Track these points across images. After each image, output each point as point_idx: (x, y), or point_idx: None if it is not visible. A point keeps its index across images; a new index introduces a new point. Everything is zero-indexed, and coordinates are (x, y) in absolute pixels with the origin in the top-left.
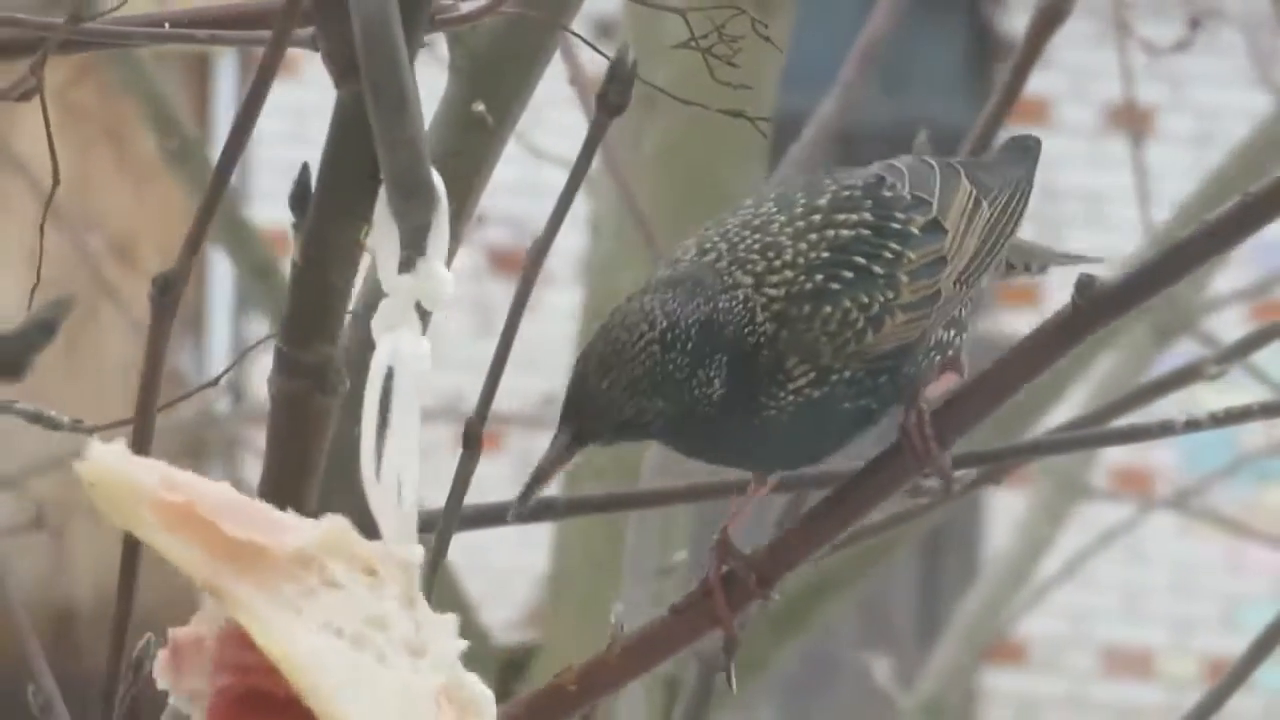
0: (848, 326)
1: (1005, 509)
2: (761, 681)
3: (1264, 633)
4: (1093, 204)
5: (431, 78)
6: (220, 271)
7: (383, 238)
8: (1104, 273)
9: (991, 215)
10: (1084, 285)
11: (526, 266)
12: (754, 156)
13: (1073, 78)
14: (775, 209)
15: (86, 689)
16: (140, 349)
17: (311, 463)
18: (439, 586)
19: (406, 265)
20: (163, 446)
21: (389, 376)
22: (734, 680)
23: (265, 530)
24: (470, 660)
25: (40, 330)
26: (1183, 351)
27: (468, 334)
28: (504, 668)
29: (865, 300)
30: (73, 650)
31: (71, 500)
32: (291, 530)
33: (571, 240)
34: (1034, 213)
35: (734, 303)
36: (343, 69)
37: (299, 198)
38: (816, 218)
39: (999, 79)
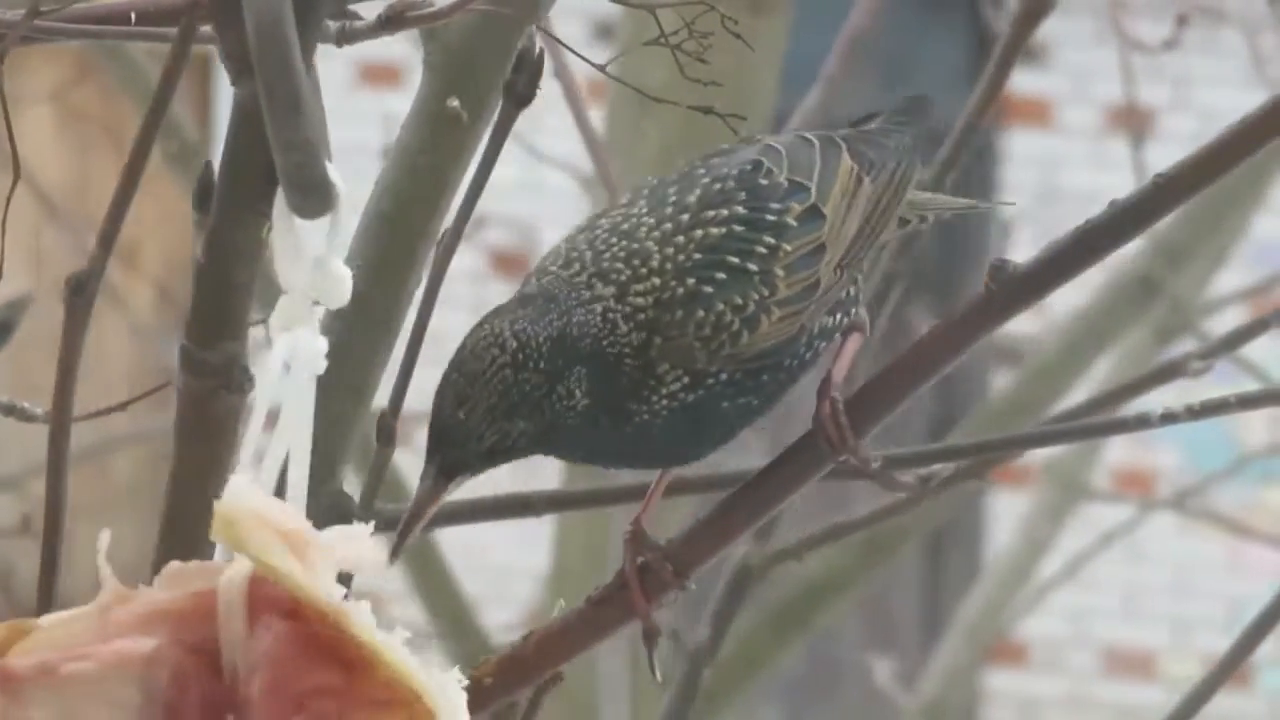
0: (722, 330)
1: (1008, 509)
2: (764, 682)
3: (1255, 621)
4: (1094, 204)
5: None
6: None
7: (281, 236)
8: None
9: (875, 191)
10: (997, 269)
11: (437, 257)
12: None
13: (1074, 79)
14: (645, 209)
15: None
16: (140, 350)
17: (219, 461)
18: (435, 586)
19: (304, 263)
20: (152, 447)
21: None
22: (657, 670)
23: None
24: (470, 661)
25: None
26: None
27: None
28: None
29: (739, 301)
30: None
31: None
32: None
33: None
34: (1033, 214)
35: (591, 315)
36: (239, 69)
37: (202, 195)
38: (685, 217)
39: (983, 73)
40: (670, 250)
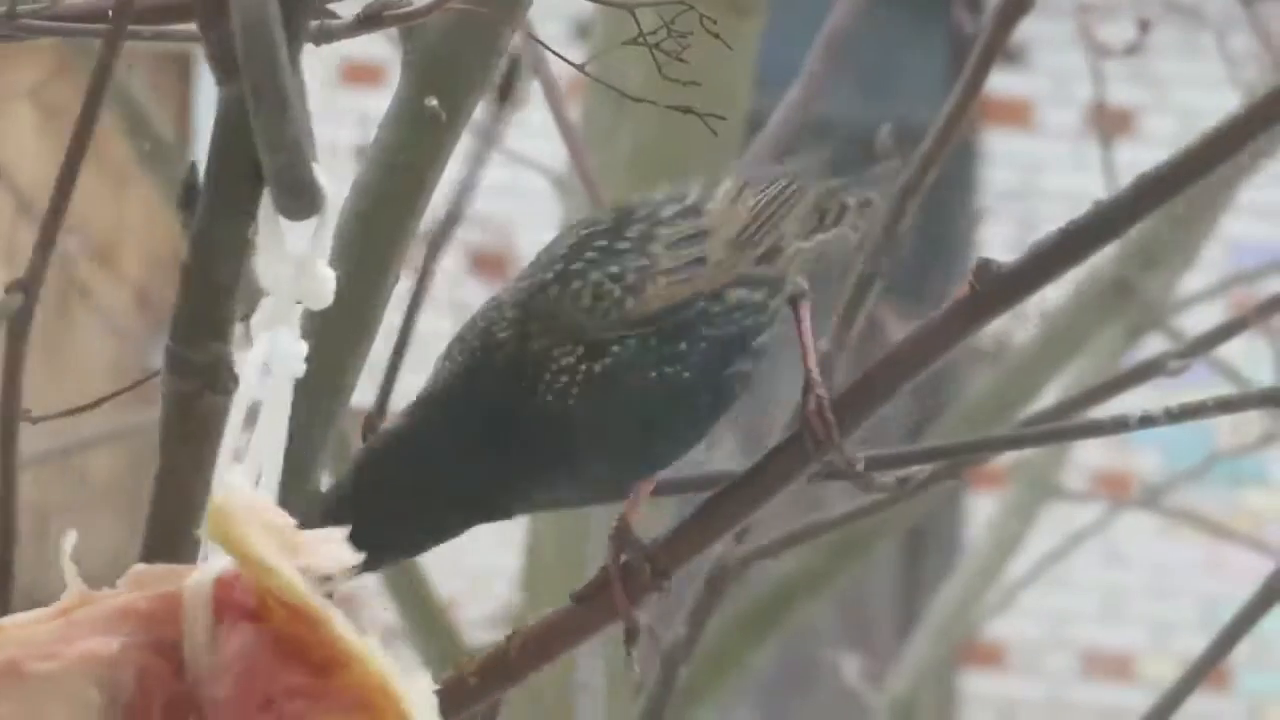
0: (604, 297)
1: (986, 510)
2: (739, 681)
3: (1231, 622)
4: (1074, 205)
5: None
6: None
7: (266, 237)
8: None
9: (762, 197)
10: (981, 269)
11: (425, 258)
12: (728, 156)
13: (1053, 80)
14: (509, 286)
15: None
16: (120, 351)
17: (204, 462)
18: (407, 587)
19: (288, 264)
20: (132, 446)
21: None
22: (637, 668)
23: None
24: (441, 662)
25: None
26: (1154, 350)
27: (446, 336)
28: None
29: (616, 270)
30: None
31: (53, 500)
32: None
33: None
34: (1014, 214)
35: (446, 363)
36: (226, 69)
37: (187, 195)
38: (528, 268)
39: (963, 72)
40: (517, 287)
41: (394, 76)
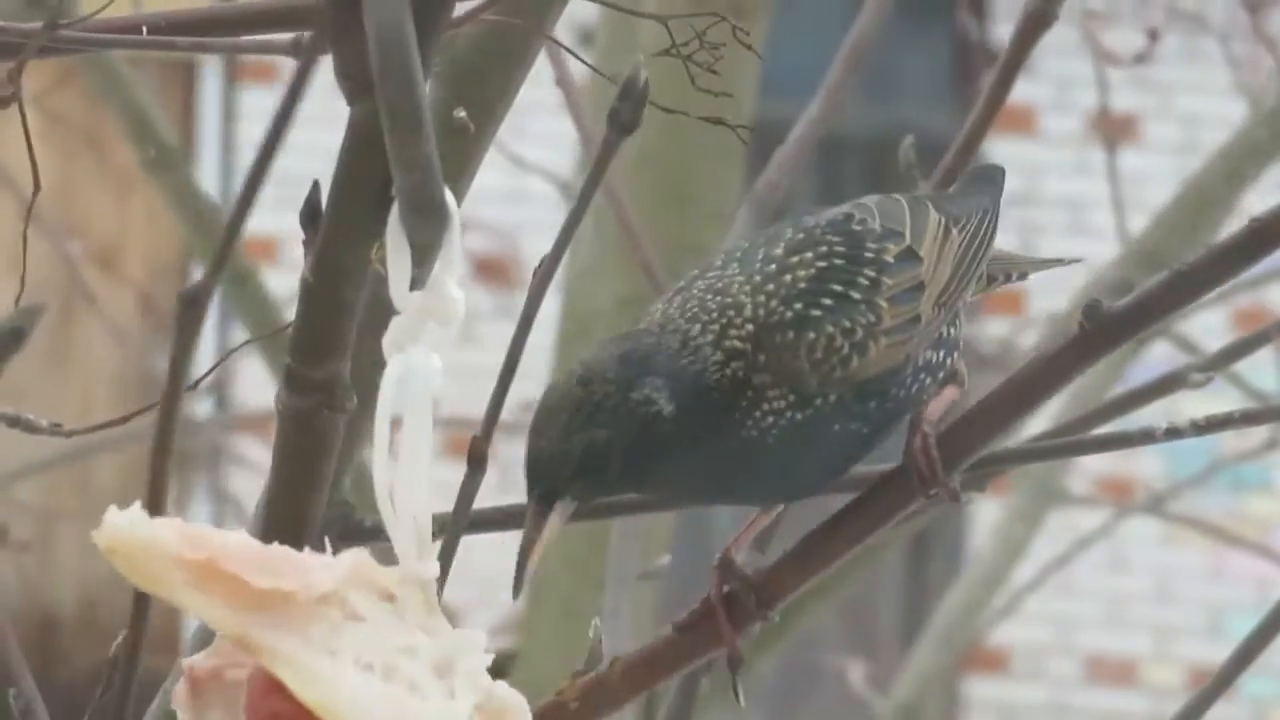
0: (833, 353)
1: (990, 516)
2: (745, 686)
3: (1246, 640)
4: (1077, 212)
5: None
6: None
7: (395, 256)
8: (1101, 293)
9: (963, 241)
10: (1092, 309)
11: (532, 289)
12: (732, 163)
13: (1057, 86)
14: (737, 269)
15: (70, 694)
16: (124, 356)
17: (319, 479)
18: None
19: (418, 284)
20: (137, 454)
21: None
22: (741, 695)
23: (289, 574)
24: None
25: (9, 337)
26: (1158, 355)
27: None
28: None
29: (848, 325)
30: (55, 656)
31: (54, 507)
32: (315, 570)
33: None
34: (1016, 220)
35: (667, 339)
36: (358, 87)
37: (310, 215)
38: (773, 267)
39: (983, 85)
40: (763, 298)
41: None
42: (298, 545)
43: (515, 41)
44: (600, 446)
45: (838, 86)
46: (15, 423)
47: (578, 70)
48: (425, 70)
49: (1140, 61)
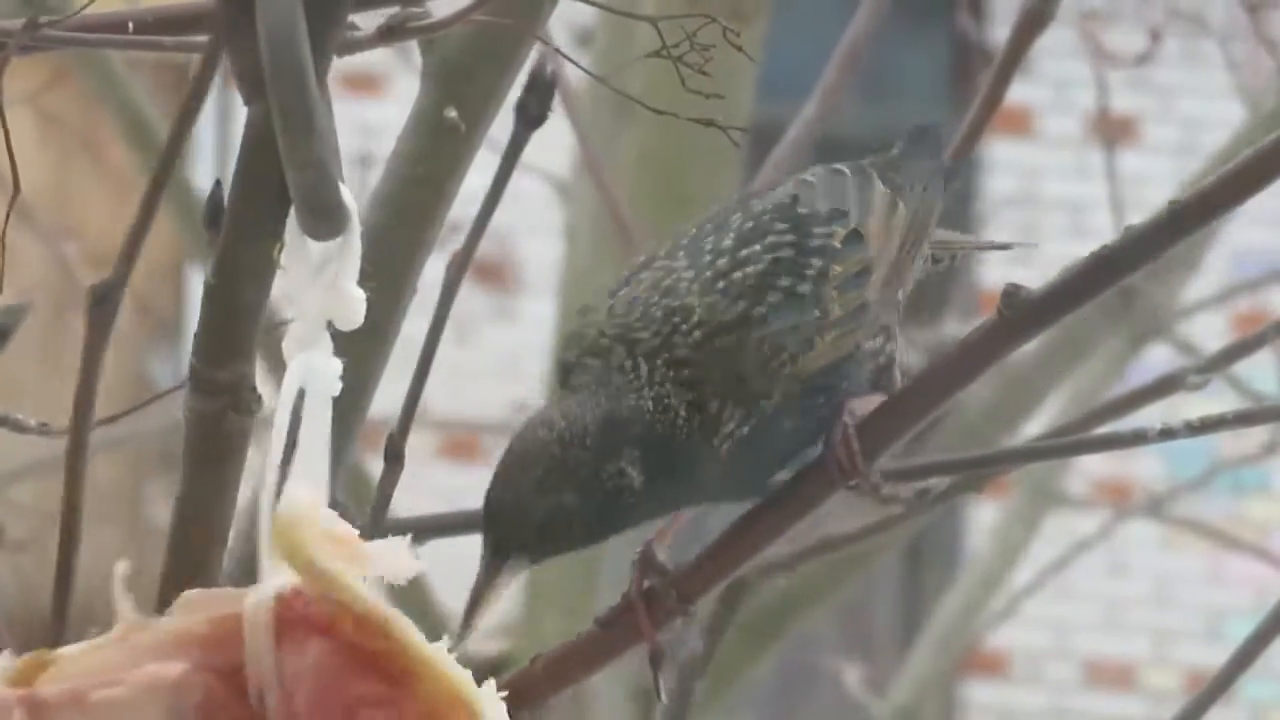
0: (778, 353)
1: (987, 519)
2: (740, 690)
3: (1244, 644)
4: (1076, 214)
5: (408, 85)
6: (196, 283)
7: (294, 257)
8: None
9: (909, 213)
10: (1010, 295)
11: (447, 280)
12: (729, 163)
13: (1055, 88)
14: (685, 262)
15: None
16: (117, 357)
17: (228, 483)
18: (410, 600)
19: (317, 284)
20: (133, 454)
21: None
22: (663, 691)
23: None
24: None
25: None
26: (1157, 359)
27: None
28: (479, 677)
29: (794, 323)
30: None
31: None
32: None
33: (547, 249)
34: (1016, 222)
35: (642, 400)
36: (253, 88)
37: (212, 215)
38: (723, 262)
39: (981, 85)
40: (710, 299)
41: (394, 86)
42: (209, 551)
43: (506, 41)
44: (565, 514)
45: (833, 87)
46: (3, 422)
47: (575, 71)
48: (320, 70)
49: (1142, 63)
